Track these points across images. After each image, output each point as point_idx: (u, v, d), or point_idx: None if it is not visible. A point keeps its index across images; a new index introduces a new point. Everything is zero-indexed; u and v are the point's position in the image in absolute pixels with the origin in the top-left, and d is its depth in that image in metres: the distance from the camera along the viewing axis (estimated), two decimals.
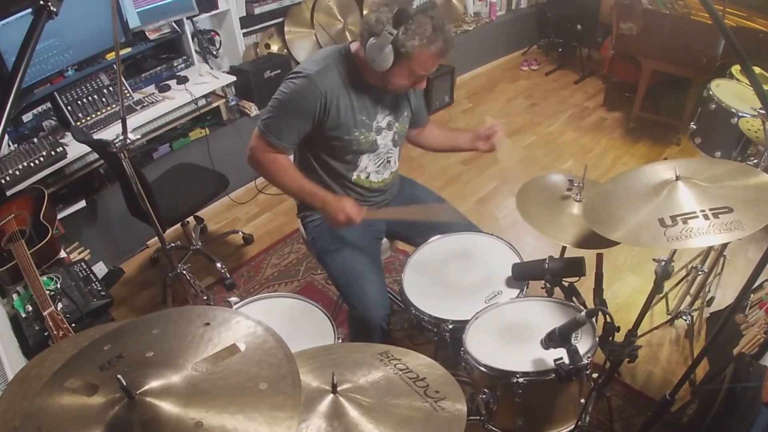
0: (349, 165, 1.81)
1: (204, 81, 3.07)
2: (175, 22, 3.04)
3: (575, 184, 1.78)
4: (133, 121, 2.69)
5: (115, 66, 2.56)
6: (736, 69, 2.77)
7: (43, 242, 2.05)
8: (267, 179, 1.84)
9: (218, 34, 3.38)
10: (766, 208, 1.18)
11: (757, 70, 2.20)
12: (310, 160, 1.83)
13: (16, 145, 2.48)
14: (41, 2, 0.76)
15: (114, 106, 2.75)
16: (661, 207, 1.29)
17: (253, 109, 3.35)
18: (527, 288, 1.66)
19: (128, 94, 2.85)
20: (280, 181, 1.76)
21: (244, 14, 3.48)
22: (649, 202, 1.32)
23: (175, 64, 3.14)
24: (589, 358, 1.35)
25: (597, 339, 1.37)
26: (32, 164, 2.35)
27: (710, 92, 2.55)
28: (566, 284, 1.63)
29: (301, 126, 1.69)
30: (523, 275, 1.65)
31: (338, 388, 1.01)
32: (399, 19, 1.52)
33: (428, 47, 1.56)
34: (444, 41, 1.58)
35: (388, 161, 1.88)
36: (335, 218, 1.67)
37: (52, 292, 1.96)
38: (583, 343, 1.38)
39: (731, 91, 2.56)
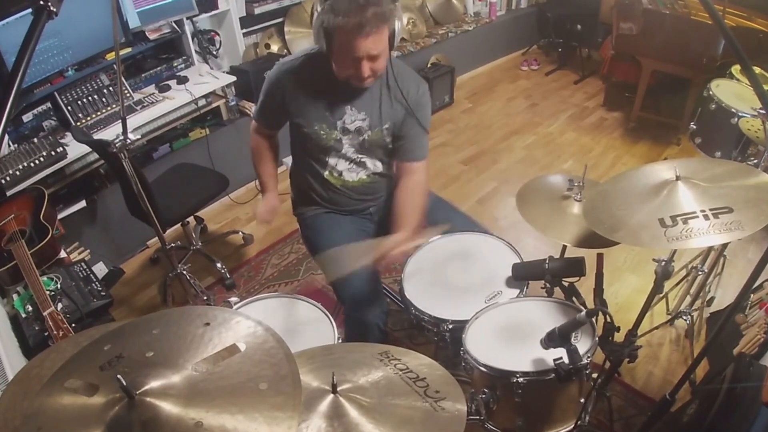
0: (319, 162, 1.81)
1: (204, 81, 3.07)
2: (175, 22, 3.04)
3: (575, 184, 1.78)
4: (133, 121, 2.69)
5: (115, 66, 2.55)
6: (736, 69, 2.77)
7: (43, 242, 2.05)
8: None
9: (218, 34, 3.38)
10: (766, 208, 1.18)
11: (757, 70, 2.20)
12: (295, 156, 1.90)
13: (16, 145, 2.49)
14: (41, 2, 0.76)
15: (114, 106, 2.75)
16: (661, 207, 1.29)
17: (253, 109, 3.34)
18: (527, 288, 1.66)
19: (128, 94, 2.85)
20: (253, 161, 1.93)
21: (244, 14, 3.48)
22: (649, 202, 1.32)
23: (175, 64, 3.14)
24: (588, 357, 1.35)
25: (597, 339, 1.37)
26: (32, 164, 2.35)
27: (710, 92, 2.55)
28: (566, 284, 1.64)
29: (272, 106, 1.78)
30: (523, 275, 1.65)
31: (338, 388, 1.01)
32: None
33: (343, 23, 1.38)
34: (361, 16, 1.36)
35: (362, 163, 1.80)
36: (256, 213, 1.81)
37: (52, 292, 1.96)
38: (582, 343, 1.38)
39: (731, 91, 2.56)
